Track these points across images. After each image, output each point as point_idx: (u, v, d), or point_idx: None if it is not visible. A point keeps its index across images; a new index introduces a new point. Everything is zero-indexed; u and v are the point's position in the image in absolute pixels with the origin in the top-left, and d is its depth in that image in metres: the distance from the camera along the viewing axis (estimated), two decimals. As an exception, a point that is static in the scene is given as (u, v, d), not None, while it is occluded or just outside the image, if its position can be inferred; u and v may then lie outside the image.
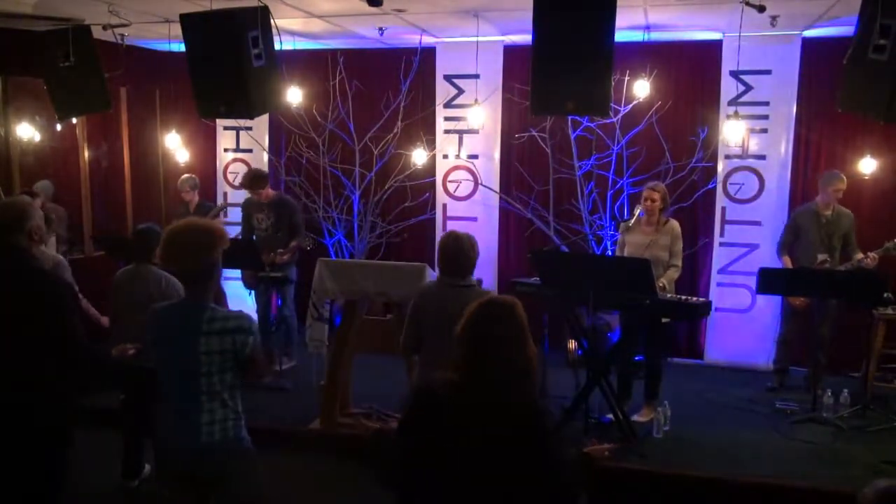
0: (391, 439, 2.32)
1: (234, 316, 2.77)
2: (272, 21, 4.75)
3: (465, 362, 2.20)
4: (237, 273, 6.79)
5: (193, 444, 2.71)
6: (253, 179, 6.32)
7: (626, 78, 6.49)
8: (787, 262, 5.95)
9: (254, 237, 6.40)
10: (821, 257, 5.74)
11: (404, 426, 2.28)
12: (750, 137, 6.47)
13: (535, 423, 2.17)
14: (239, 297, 6.96)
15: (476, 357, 2.19)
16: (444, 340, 3.51)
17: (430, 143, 7.22)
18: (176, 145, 7.63)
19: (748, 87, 6.42)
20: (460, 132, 7.13)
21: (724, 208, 6.66)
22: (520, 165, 7.22)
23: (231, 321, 2.73)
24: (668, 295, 5.16)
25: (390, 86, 7.30)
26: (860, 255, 5.65)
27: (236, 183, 7.77)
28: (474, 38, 6.52)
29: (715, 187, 6.67)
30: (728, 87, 6.49)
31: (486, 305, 2.28)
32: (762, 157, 6.52)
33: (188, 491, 2.82)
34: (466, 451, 2.14)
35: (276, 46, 4.86)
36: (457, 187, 7.25)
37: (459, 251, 3.57)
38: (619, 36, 4.64)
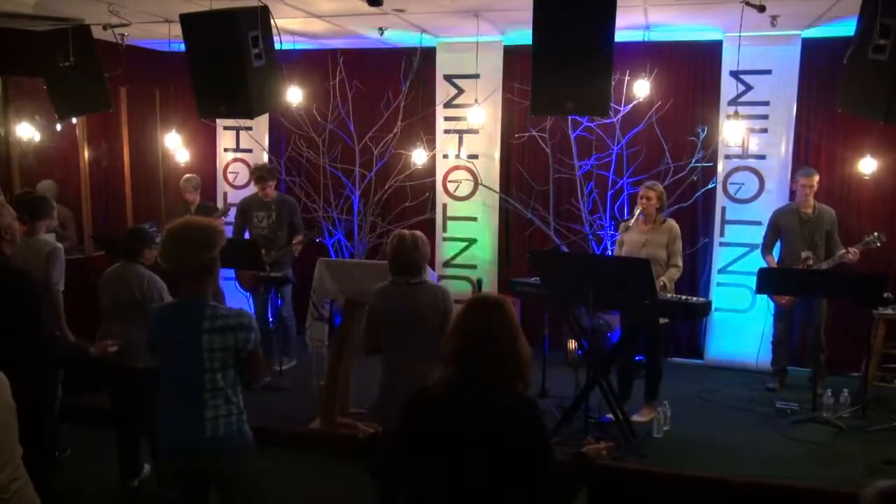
0: (386, 440, 2.34)
1: (234, 313, 2.81)
2: (272, 21, 4.75)
3: (454, 360, 2.22)
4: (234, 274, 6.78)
5: (199, 439, 2.75)
6: (268, 170, 6.37)
7: (626, 78, 6.49)
8: (771, 263, 5.97)
9: (246, 235, 6.41)
10: (804, 255, 5.78)
11: (402, 427, 2.29)
12: (750, 137, 6.46)
13: (526, 421, 2.18)
14: (238, 297, 6.95)
15: (465, 354, 2.20)
16: (400, 338, 3.56)
17: (430, 143, 7.22)
18: (176, 145, 7.63)
19: (748, 87, 6.42)
20: (460, 132, 7.13)
21: (724, 208, 6.67)
22: (520, 165, 7.22)
23: (232, 318, 2.77)
24: (669, 295, 5.16)
25: (390, 86, 7.30)
26: (842, 251, 5.69)
27: (238, 182, 7.79)
28: (474, 38, 6.52)
29: (715, 187, 6.67)
30: (728, 87, 6.49)
31: (475, 303, 2.29)
32: (762, 157, 6.52)
33: (188, 487, 2.86)
34: (460, 450, 2.15)
35: (276, 46, 4.86)
36: (457, 187, 7.25)
37: (401, 252, 3.59)
38: (619, 36, 4.63)
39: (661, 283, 5.12)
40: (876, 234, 5.58)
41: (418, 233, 3.69)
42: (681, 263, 5.41)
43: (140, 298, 4.17)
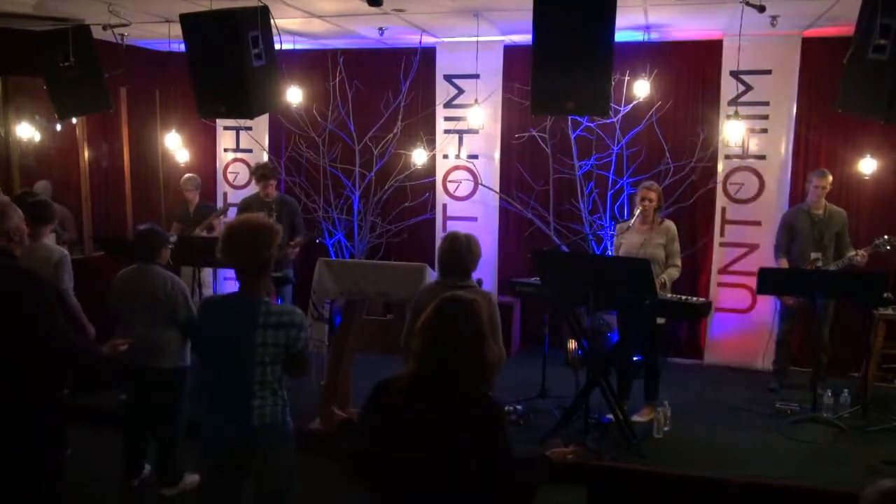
0: (355, 430, 2.36)
1: (288, 311, 2.86)
2: (272, 21, 4.75)
3: (421, 357, 2.23)
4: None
5: (245, 426, 2.82)
6: (269, 169, 6.37)
7: (626, 78, 6.49)
8: (785, 265, 5.94)
9: None
10: (814, 256, 5.76)
11: (364, 417, 2.31)
12: (750, 137, 6.46)
13: (486, 422, 2.20)
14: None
15: (431, 352, 2.21)
16: None
17: (430, 143, 7.22)
18: (176, 145, 7.63)
19: (748, 87, 6.42)
20: (460, 132, 7.14)
21: (724, 208, 6.66)
22: (520, 165, 7.22)
23: (286, 316, 2.82)
24: (668, 295, 5.16)
25: (390, 86, 7.30)
26: (851, 253, 5.67)
27: (238, 182, 7.80)
28: (474, 38, 6.52)
29: (715, 187, 6.67)
30: (728, 87, 6.49)
31: (444, 303, 2.29)
32: (762, 157, 6.52)
33: (224, 478, 2.92)
34: (419, 444, 2.17)
35: (276, 46, 4.87)
36: (457, 187, 7.25)
37: (453, 253, 3.57)
38: (619, 36, 4.63)
39: (661, 281, 5.12)
40: (886, 237, 5.51)
41: (472, 235, 3.66)
42: (679, 263, 5.40)
43: (164, 300, 4.10)
